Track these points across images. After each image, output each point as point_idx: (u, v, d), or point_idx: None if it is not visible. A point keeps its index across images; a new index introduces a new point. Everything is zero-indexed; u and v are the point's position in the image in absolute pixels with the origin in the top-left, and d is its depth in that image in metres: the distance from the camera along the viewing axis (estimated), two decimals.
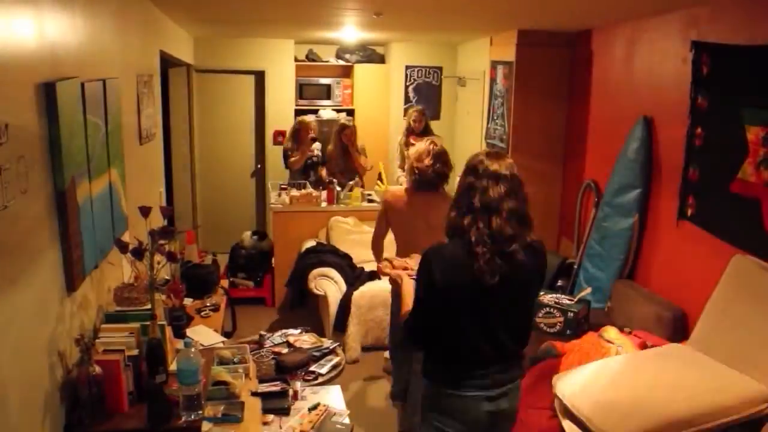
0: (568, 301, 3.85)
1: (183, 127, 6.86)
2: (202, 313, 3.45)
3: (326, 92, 7.44)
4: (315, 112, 7.37)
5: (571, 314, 3.71)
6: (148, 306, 2.54)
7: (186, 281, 3.48)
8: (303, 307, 5.19)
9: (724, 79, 3.35)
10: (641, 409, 2.69)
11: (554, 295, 3.92)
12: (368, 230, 5.19)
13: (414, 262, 2.54)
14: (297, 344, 3.82)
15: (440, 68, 7.49)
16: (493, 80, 5.88)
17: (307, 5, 4.20)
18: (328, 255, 4.92)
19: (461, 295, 2.05)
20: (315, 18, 4.98)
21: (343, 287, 4.60)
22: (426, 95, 7.52)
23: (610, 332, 3.45)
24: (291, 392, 3.46)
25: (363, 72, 7.46)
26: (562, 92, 5.37)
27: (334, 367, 4.16)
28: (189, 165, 6.97)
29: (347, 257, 5.02)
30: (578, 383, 3.00)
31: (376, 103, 7.43)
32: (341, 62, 7.55)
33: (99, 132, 2.51)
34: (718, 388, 2.72)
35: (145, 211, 2.70)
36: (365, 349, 4.58)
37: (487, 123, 6.06)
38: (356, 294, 4.61)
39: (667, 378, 2.87)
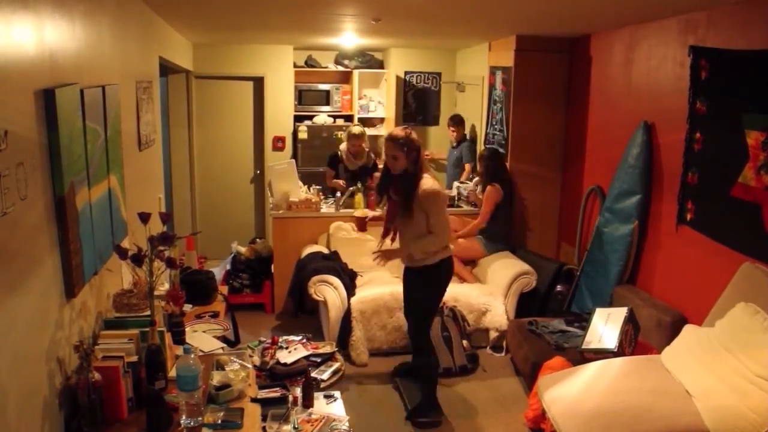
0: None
1: (182, 133, 6.88)
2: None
3: (325, 98, 7.45)
4: (313, 117, 7.39)
5: None
6: (148, 312, 2.53)
7: (185, 287, 3.47)
8: (304, 313, 5.17)
9: (723, 84, 3.36)
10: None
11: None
12: (370, 238, 5.17)
13: None
14: (296, 350, 3.81)
15: (439, 74, 7.50)
16: (491, 86, 5.89)
17: (305, 11, 4.21)
18: (328, 261, 4.91)
19: None
20: (314, 24, 4.99)
21: (343, 293, 4.59)
22: (425, 101, 7.54)
23: None
24: (291, 398, 3.46)
25: (362, 78, 7.47)
26: (560, 97, 5.38)
27: (334, 372, 4.16)
28: (188, 171, 6.98)
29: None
30: (564, 397, 3.01)
31: None
32: (340, 68, 7.56)
33: (98, 138, 2.50)
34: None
35: (144, 217, 2.69)
36: (372, 354, 4.56)
37: (486, 128, 6.07)
38: (357, 299, 4.60)
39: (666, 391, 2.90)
